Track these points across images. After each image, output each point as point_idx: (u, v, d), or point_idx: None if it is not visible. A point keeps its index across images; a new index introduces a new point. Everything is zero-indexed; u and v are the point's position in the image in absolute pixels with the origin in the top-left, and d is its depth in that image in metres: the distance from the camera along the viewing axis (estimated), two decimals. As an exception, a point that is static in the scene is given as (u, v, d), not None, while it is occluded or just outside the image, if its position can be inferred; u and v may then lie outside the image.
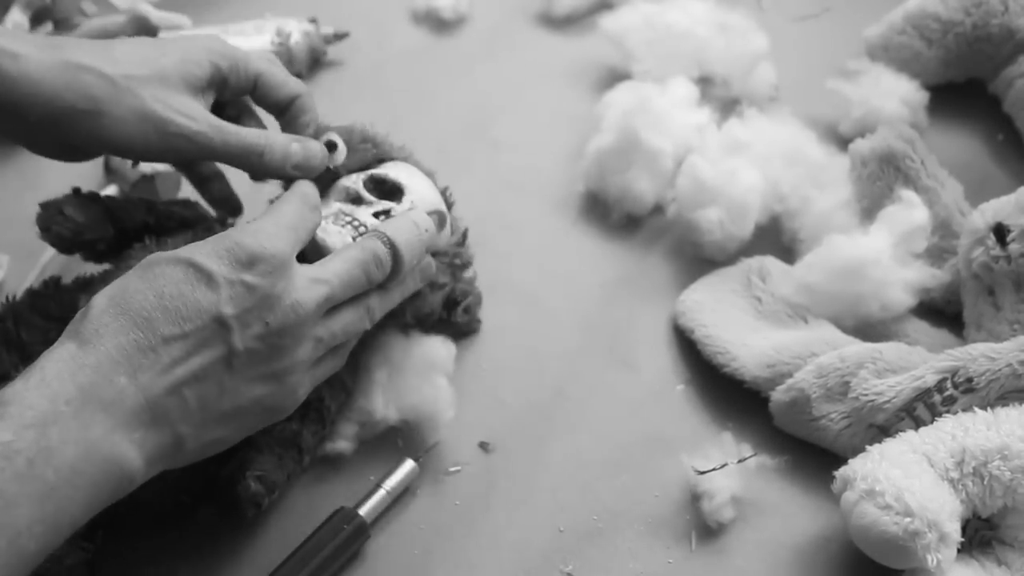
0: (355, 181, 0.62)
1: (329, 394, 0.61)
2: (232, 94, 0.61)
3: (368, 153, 0.64)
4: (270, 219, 0.53)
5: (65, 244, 0.63)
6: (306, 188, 0.57)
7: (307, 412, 0.59)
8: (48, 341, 0.54)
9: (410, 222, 0.58)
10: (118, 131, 0.56)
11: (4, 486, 0.42)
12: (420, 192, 0.62)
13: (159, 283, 0.49)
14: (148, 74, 0.56)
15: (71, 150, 0.58)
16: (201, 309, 0.49)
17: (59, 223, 0.62)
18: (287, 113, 0.62)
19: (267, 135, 0.59)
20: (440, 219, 0.61)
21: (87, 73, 0.55)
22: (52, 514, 0.44)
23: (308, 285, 0.52)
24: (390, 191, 0.62)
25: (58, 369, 0.46)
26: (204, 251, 0.50)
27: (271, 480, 0.57)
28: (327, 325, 0.54)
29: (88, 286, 0.61)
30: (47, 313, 0.60)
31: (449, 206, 0.66)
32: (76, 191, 0.64)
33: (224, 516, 0.59)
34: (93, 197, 0.65)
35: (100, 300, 0.49)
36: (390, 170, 0.63)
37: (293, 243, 0.53)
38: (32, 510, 0.43)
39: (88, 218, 0.63)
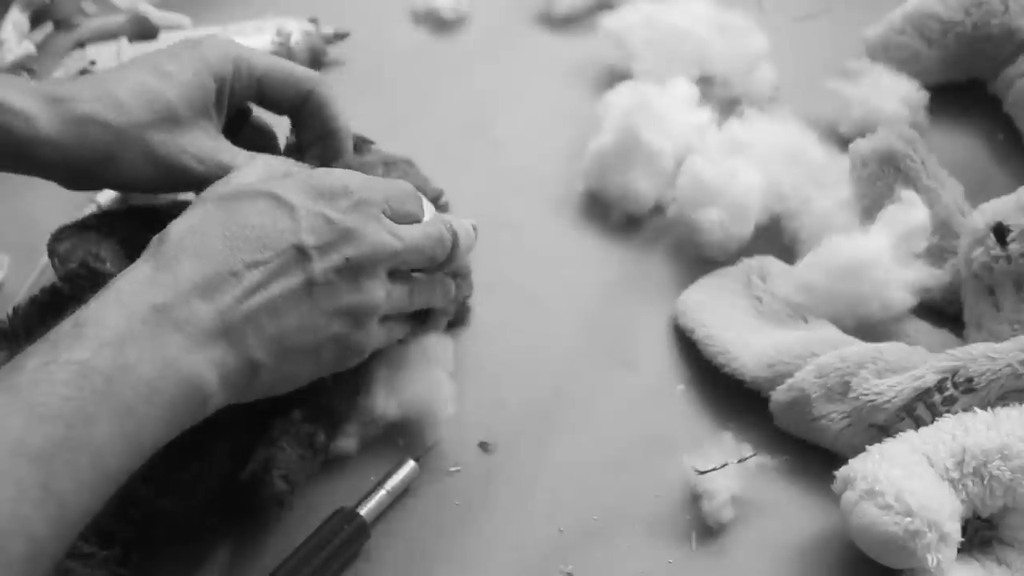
0: None
1: (338, 395, 0.61)
2: (238, 99, 0.61)
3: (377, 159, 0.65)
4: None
5: (88, 281, 0.60)
6: None
7: (319, 414, 0.59)
8: None
9: (464, 225, 0.61)
10: (129, 176, 0.57)
11: (83, 404, 0.43)
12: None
13: (241, 213, 0.50)
14: (154, 118, 0.57)
15: (87, 187, 0.60)
16: (282, 237, 0.50)
17: (67, 257, 0.60)
18: (303, 110, 0.62)
19: (268, 160, 0.59)
20: (474, 228, 0.64)
21: (94, 125, 0.55)
22: (132, 432, 0.44)
23: (386, 231, 0.53)
24: None
25: (133, 289, 0.46)
26: (286, 184, 0.52)
27: (295, 479, 0.57)
28: (390, 285, 0.55)
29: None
30: (46, 322, 0.58)
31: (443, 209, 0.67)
32: (85, 224, 0.62)
33: (241, 518, 0.59)
34: (99, 222, 0.62)
35: (179, 225, 0.49)
36: None
37: (378, 189, 0.54)
38: (112, 427, 0.43)
39: (93, 250, 0.60)
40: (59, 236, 0.61)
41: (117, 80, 0.57)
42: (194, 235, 0.49)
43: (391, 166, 0.68)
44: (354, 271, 0.52)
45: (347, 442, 0.63)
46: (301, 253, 0.50)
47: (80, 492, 0.42)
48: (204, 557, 0.59)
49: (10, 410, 0.42)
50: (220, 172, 0.57)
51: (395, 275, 0.56)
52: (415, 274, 0.59)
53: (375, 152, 0.69)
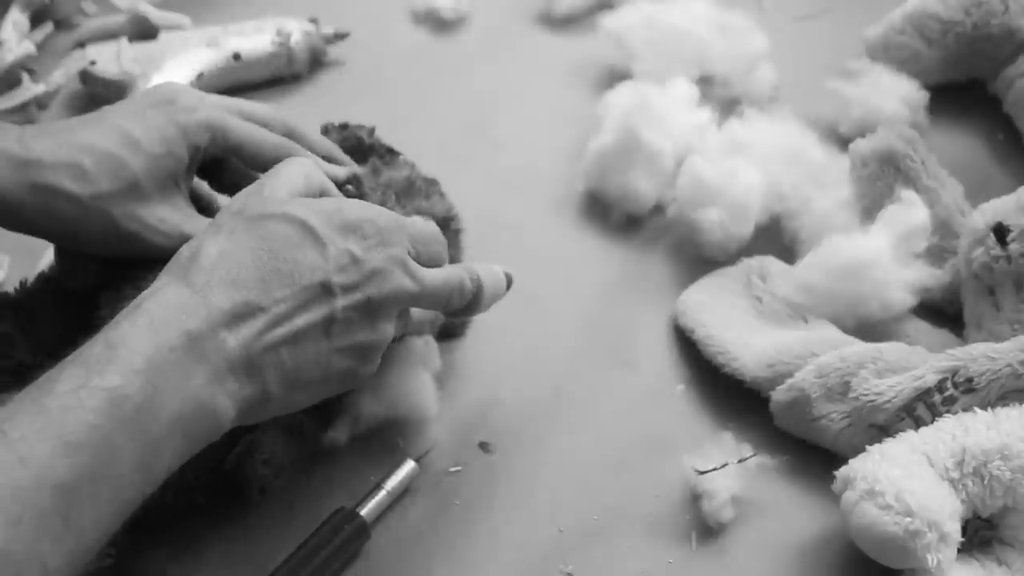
0: None
1: None
2: (212, 163, 0.61)
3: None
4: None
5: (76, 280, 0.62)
6: None
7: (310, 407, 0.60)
8: (66, 331, 0.57)
9: (497, 274, 0.60)
10: (93, 247, 0.57)
11: (111, 434, 0.42)
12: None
13: (272, 240, 0.49)
14: (119, 188, 0.56)
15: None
16: (312, 274, 0.49)
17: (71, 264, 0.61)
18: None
19: None
20: (509, 282, 0.62)
21: (58, 197, 0.55)
22: (151, 462, 0.44)
23: (408, 275, 0.53)
24: None
25: (166, 315, 0.46)
26: (316, 214, 0.51)
27: (277, 463, 0.58)
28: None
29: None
30: (64, 300, 0.60)
31: (457, 231, 0.67)
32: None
33: (227, 503, 0.59)
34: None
35: (211, 249, 0.49)
36: None
37: (404, 228, 0.53)
38: (134, 458, 0.43)
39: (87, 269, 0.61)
40: None
41: (81, 145, 0.56)
42: (226, 261, 0.48)
43: (411, 190, 0.67)
44: (372, 311, 0.51)
45: (335, 435, 0.62)
46: (327, 291, 0.50)
47: (98, 523, 0.42)
48: (203, 556, 0.59)
49: (40, 437, 0.41)
50: (182, 243, 0.55)
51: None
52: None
53: (402, 164, 0.69)
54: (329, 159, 0.64)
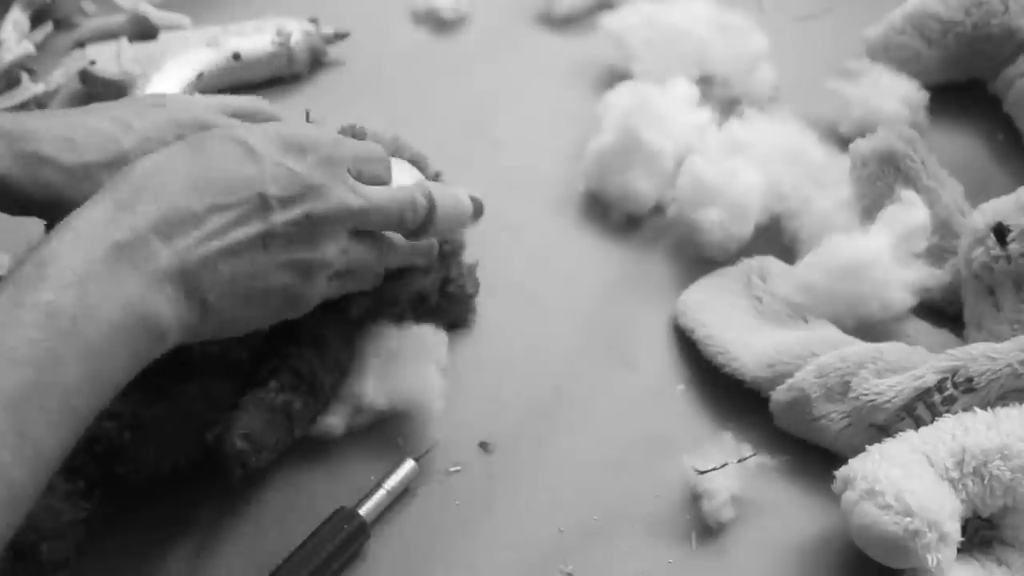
0: None
1: (322, 368, 0.61)
2: None
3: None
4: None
5: None
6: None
7: (299, 383, 0.60)
8: None
9: (452, 193, 0.60)
10: None
11: (52, 346, 0.43)
12: (403, 179, 0.63)
13: (208, 155, 0.50)
14: (107, 160, 0.57)
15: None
16: (247, 184, 0.50)
17: None
18: None
19: None
20: (477, 207, 0.62)
21: (47, 166, 0.56)
22: (97, 372, 0.45)
23: (350, 191, 0.54)
24: None
25: (91, 229, 0.46)
26: (255, 132, 0.52)
27: (257, 440, 0.57)
28: (350, 243, 0.55)
29: None
30: None
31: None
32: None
33: (215, 479, 0.59)
34: None
35: (144, 163, 0.49)
36: None
37: (346, 147, 0.55)
38: (78, 368, 0.44)
39: None
40: None
41: (74, 122, 0.58)
42: (158, 174, 0.49)
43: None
44: (312, 226, 0.52)
45: (333, 421, 0.63)
46: (264, 202, 0.50)
47: (52, 435, 0.43)
48: (205, 557, 0.59)
49: None
50: None
51: (360, 235, 0.56)
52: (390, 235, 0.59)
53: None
54: None
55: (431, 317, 0.67)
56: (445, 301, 0.68)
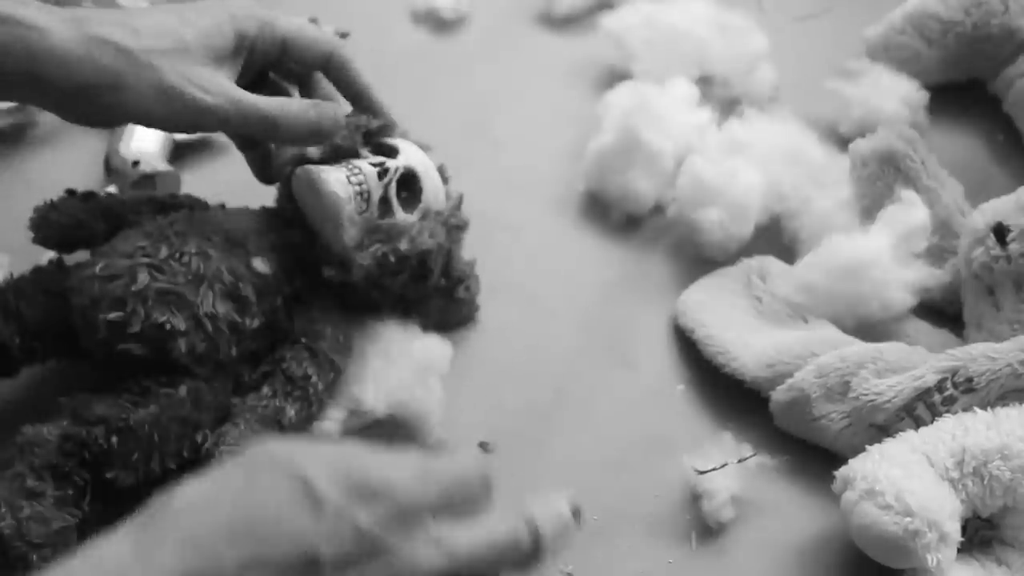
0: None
1: (316, 372, 0.61)
2: (261, 58, 0.62)
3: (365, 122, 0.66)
4: (407, 455, 0.45)
5: (52, 243, 0.65)
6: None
7: (292, 389, 0.60)
8: (46, 313, 0.59)
9: (558, 510, 0.48)
10: (137, 103, 0.57)
11: None
12: (413, 152, 0.65)
13: (258, 491, 0.41)
14: (168, 47, 0.57)
15: (95, 118, 0.59)
16: (296, 540, 0.40)
17: (47, 223, 0.65)
18: (328, 71, 0.64)
19: (283, 103, 0.60)
20: (576, 512, 0.49)
21: (108, 47, 0.56)
22: None
23: (429, 547, 0.42)
24: (387, 152, 0.65)
25: (104, 572, 0.40)
26: (320, 466, 0.42)
27: None
28: None
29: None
30: (47, 288, 0.61)
31: (445, 179, 0.67)
32: (70, 192, 0.66)
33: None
34: (87, 196, 0.66)
35: (189, 491, 0.41)
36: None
37: (431, 483, 0.44)
38: None
39: (75, 216, 0.65)
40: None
41: (136, 14, 0.59)
42: (194, 511, 0.41)
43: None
44: None
45: (328, 425, 0.62)
46: (312, 566, 0.40)
47: None
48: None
49: None
50: (229, 104, 0.58)
51: None
52: None
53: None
54: (367, 101, 0.66)
55: (437, 314, 0.67)
56: (451, 304, 0.68)
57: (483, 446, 0.64)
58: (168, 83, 0.57)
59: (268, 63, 0.63)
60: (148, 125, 0.59)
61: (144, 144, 0.76)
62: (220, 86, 0.58)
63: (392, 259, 0.62)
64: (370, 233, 0.62)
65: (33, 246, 0.67)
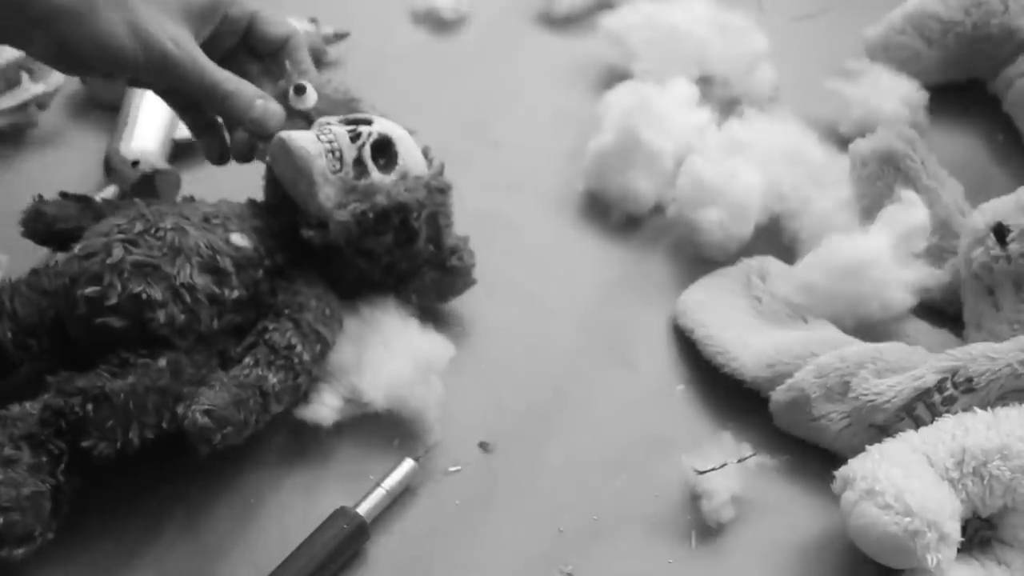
0: (327, 119, 0.65)
1: (301, 342, 0.61)
2: (230, 28, 0.64)
3: (342, 97, 0.68)
4: None
5: (40, 237, 0.66)
6: None
7: (275, 359, 0.60)
8: (40, 313, 0.59)
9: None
10: (109, 39, 0.58)
11: None
12: (388, 124, 0.65)
13: None
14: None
15: (68, 57, 0.59)
16: None
17: (37, 215, 0.65)
18: (280, 53, 0.66)
19: (239, 82, 0.62)
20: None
21: None
22: None
23: None
24: (360, 123, 0.65)
25: None
26: None
27: (221, 416, 0.56)
28: None
29: None
30: (41, 288, 0.61)
31: (429, 160, 0.68)
32: (63, 195, 0.67)
33: (189, 454, 0.58)
34: (80, 197, 0.67)
35: None
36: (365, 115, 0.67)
37: None
38: None
39: (65, 214, 0.65)
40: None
41: None
42: None
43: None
44: None
45: (322, 411, 0.62)
46: None
47: None
48: (203, 557, 0.59)
49: None
50: (191, 62, 0.60)
51: None
52: None
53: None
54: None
55: (430, 290, 0.68)
56: (445, 275, 0.68)
57: (483, 446, 0.64)
58: (142, 25, 0.58)
59: (235, 36, 0.65)
60: (115, 66, 0.59)
61: (144, 144, 0.77)
62: (188, 44, 0.60)
63: (371, 215, 0.62)
64: (347, 193, 0.63)
65: (32, 246, 0.67)
